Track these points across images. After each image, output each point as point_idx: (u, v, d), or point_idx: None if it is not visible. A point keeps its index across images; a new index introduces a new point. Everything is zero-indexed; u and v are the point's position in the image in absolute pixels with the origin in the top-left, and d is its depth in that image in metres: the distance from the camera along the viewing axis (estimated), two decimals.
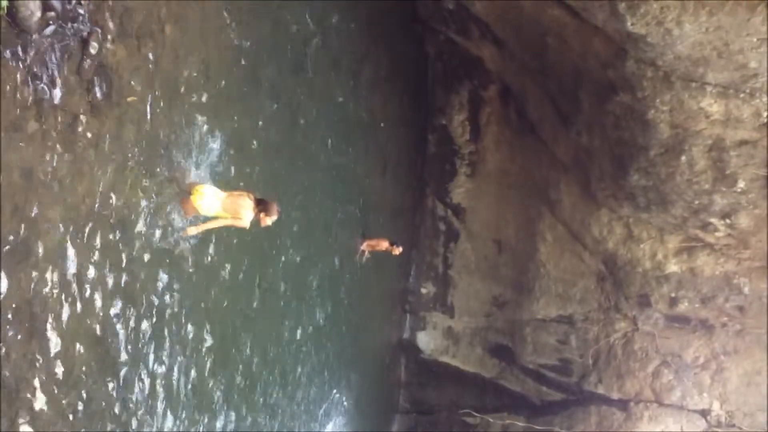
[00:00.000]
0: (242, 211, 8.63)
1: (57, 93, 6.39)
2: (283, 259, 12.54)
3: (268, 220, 8.85)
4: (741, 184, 12.73)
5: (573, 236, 17.00)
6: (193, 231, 8.68)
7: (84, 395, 7.17)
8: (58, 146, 6.46)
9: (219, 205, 8.58)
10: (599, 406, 16.79)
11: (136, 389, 8.26)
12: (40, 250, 6.37)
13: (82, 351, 7.08)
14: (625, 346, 16.54)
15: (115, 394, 7.76)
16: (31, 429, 6.33)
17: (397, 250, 16.08)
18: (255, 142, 10.89)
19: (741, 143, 12.23)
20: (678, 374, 15.92)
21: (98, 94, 7.00)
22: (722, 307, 15.19)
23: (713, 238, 14.26)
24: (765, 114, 11.60)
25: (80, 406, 7.11)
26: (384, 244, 15.94)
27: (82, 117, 6.77)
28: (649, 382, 16.20)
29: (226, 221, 8.69)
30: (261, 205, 8.76)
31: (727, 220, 13.50)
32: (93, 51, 6.84)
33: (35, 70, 6.14)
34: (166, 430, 9.05)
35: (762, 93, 11.34)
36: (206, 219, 8.77)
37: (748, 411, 15.55)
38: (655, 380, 16.14)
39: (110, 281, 7.53)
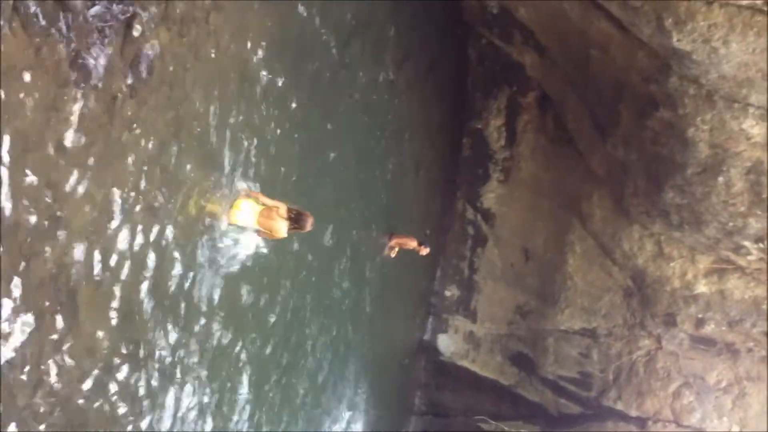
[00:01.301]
0: (275, 225, 9.08)
1: (98, 73, 6.46)
2: (310, 257, 12.61)
3: (302, 232, 9.36)
4: None
5: (602, 250, 16.86)
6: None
7: None
8: (95, 126, 6.53)
9: (254, 220, 9.09)
10: (617, 423, 16.67)
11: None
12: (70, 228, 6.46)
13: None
14: (648, 364, 16.39)
15: None
16: None
17: (425, 251, 16.10)
18: (288, 140, 10.93)
19: None
20: (699, 396, 15.75)
21: (139, 78, 7.07)
22: (749, 331, 15.00)
23: (745, 261, 14.07)
24: None
25: None
26: (412, 243, 15.97)
27: (120, 99, 6.84)
28: (669, 402, 16.05)
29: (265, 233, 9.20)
30: (295, 218, 9.19)
31: (761, 245, 13.32)
32: (136, 34, 6.89)
33: (78, 49, 6.20)
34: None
35: None
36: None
37: None
38: (676, 401, 15.98)
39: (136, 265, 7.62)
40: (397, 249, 16.05)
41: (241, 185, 9.49)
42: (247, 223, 9.08)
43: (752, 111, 11.57)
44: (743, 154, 12.21)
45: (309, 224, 9.35)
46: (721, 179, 12.74)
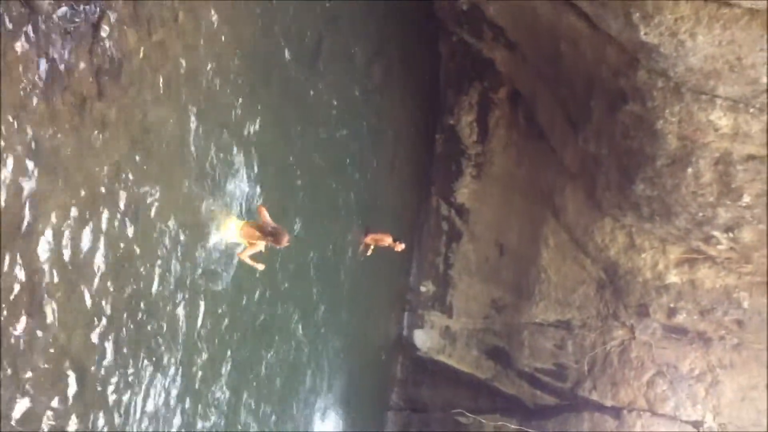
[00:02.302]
0: (252, 241, 9.86)
1: (66, 75, 6.43)
2: (284, 252, 12.59)
3: (278, 247, 9.84)
4: (746, 199, 12.76)
5: (575, 243, 17.03)
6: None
7: None
8: (64, 127, 6.49)
9: (237, 233, 9.89)
10: (592, 413, 16.84)
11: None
12: (41, 229, 6.41)
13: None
14: (622, 355, 16.59)
15: None
16: None
17: (400, 246, 16.16)
18: (258, 136, 10.92)
19: (748, 158, 12.26)
20: (673, 385, 15.97)
21: (107, 78, 7.03)
22: (721, 320, 15.24)
23: (715, 251, 14.29)
24: None
25: None
26: (387, 239, 16.01)
27: (90, 100, 6.80)
28: (643, 391, 16.26)
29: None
30: (271, 234, 9.67)
31: (730, 234, 13.53)
32: (104, 34, 6.88)
33: (45, 50, 6.17)
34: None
35: None
36: None
37: (741, 425, 15.58)
38: (650, 390, 16.19)
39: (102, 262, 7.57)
40: (372, 247, 16.08)
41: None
42: (232, 237, 9.87)
43: (719, 102, 11.76)
44: (711, 146, 12.41)
45: (285, 240, 9.72)
46: (690, 170, 12.94)
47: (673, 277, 15.31)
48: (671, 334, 16.03)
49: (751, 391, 15.49)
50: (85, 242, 7.06)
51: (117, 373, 7.91)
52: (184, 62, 8.52)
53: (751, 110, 11.55)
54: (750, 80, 11.05)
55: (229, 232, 9.89)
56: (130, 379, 8.22)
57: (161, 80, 8.06)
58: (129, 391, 8.25)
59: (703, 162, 12.70)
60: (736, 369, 15.59)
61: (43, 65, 6.14)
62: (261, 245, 9.96)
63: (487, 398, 19.32)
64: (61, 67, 6.36)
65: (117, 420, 8.05)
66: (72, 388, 7.09)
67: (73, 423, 7.14)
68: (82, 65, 6.64)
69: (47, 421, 6.73)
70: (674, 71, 11.68)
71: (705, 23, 10.49)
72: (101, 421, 7.70)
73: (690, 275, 15.14)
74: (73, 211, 6.82)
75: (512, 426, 18.19)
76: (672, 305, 15.58)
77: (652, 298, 15.76)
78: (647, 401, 16.20)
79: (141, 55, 7.56)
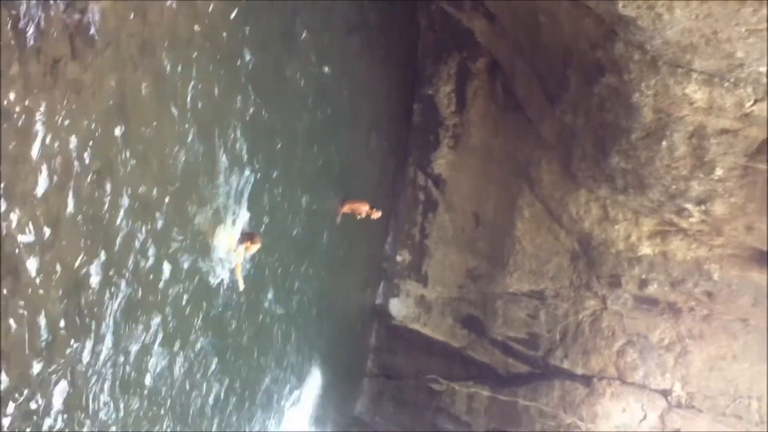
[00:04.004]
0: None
1: (40, 37, 6.34)
2: (264, 219, 12.61)
3: (253, 248, 11.71)
4: (719, 172, 12.95)
5: (550, 214, 17.15)
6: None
7: None
8: (38, 90, 6.42)
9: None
10: (563, 381, 17.12)
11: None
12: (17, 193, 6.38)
13: None
14: (593, 324, 16.84)
15: None
16: None
17: (376, 214, 16.22)
18: (235, 103, 10.86)
19: (722, 132, 12.42)
20: (642, 354, 16.26)
21: (82, 40, 6.94)
22: (691, 291, 15.48)
23: (687, 223, 14.49)
24: (747, 104, 11.78)
25: None
26: (364, 208, 16.06)
27: (64, 62, 6.72)
28: (613, 360, 16.54)
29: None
30: (247, 237, 11.57)
31: (703, 207, 13.71)
32: None
33: (18, 11, 6.06)
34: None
35: (746, 83, 11.49)
36: None
37: (709, 394, 15.93)
38: (620, 359, 16.47)
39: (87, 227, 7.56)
40: (349, 212, 16.12)
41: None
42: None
43: (695, 76, 11.86)
44: (686, 119, 12.53)
45: (258, 240, 11.79)
46: (664, 143, 13.07)
47: (645, 249, 15.51)
48: (642, 305, 16.28)
49: (720, 361, 15.82)
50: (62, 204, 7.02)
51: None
52: (160, 27, 8.42)
53: (726, 84, 11.67)
54: (725, 54, 11.15)
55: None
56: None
57: (137, 44, 7.96)
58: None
59: (678, 135, 12.83)
60: (705, 339, 15.88)
61: (16, 26, 6.05)
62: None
63: (460, 366, 19.53)
64: (34, 28, 6.25)
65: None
66: None
67: None
68: (56, 27, 6.55)
69: None
70: (651, 44, 11.74)
71: None
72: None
73: (662, 247, 15.35)
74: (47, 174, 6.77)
75: (485, 393, 18.45)
76: (644, 276, 15.81)
77: (625, 269, 15.97)
78: (617, 370, 16.49)
79: (117, 18, 7.46)
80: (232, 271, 11.59)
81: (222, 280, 11.47)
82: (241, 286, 11.86)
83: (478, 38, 18.11)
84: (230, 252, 11.44)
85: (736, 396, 15.69)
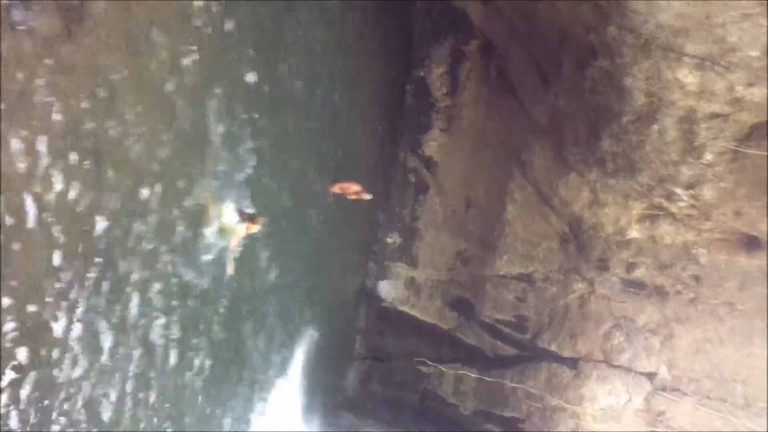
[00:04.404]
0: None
1: (33, 15, 6.31)
2: (253, 199, 12.59)
3: (254, 228, 11.68)
4: (708, 157, 13.00)
5: (541, 198, 17.20)
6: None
7: None
8: (30, 69, 6.39)
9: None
10: (550, 363, 17.23)
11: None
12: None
13: None
14: (581, 307, 16.92)
15: None
16: None
17: (367, 196, 16.22)
18: (228, 83, 10.83)
19: (712, 116, 12.46)
20: (629, 337, 16.37)
21: (74, 20, 6.90)
22: (679, 275, 15.57)
23: (676, 207, 14.54)
24: (738, 89, 11.82)
25: None
26: (355, 188, 16.06)
27: (56, 41, 6.69)
28: (600, 343, 16.65)
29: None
30: (248, 218, 11.56)
31: (692, 191, 13.77)
32: None
33: None
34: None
35: (737, 68, 11.53)
36: None
37: (695, 377, 16.05)
38: (607, 342, 16.58)
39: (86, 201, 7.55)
40: (339, 191, 16.14)
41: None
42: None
43: (687, 60, 11.88)
44: (677, 103, 12.57)
45: (259, 221, 11.87)
46: (655, 127, 13.11)
47: (634, 233, 15.58)
48: (630, 288, 16.36)
49: (705, 344, 15.93)
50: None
51: None
52: (153, 7, 8.37)
53: (717, 68, 11.70)
54: (718, 38, 11.18)
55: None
56: None
57: (133, 21, 7.92)
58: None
59: (669, 119, 12.87)
60: (691, 323, 15.99)
61: (9, 4, 6.01)
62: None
63: (448, 348, 19.61)
64: (27, 7, 6.23)
65: None
66: None
67: None
68: (49, 5, 6.52)
69: None
70: (645, 28, 11.75)
71: None
72: None
73: (651, 231, 15.42)
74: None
75: (472, 375, 18.55)
76: (632, 260, 15.89)
77: (613, 253, 16.04)
78: (604, 353, 16.60)
79: None
80: (225, 251, 11.54)
81: (212, 259, 11.46)
82: (230, 270, 11.77)
83: (473, 20, 18.05)
84: (226, 231, 11.36)
85: (722, 379, 15.82)
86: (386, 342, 20.62)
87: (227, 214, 11.35)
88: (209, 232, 11.17)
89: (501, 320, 18.30)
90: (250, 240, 12.70)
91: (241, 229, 11.55)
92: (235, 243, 11.56)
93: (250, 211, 11.97)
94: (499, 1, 16.67)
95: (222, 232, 11.37)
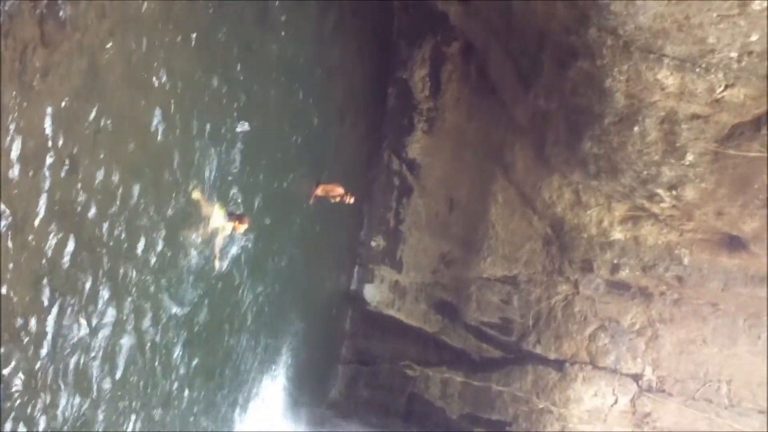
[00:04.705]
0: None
1: (8, 21, 6.22)
2: (236, 201, 12.50)
3: (241, 228, 11.90)
4: (690, 158, 12.99)
5: (524, 199, 17.17)
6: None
7: None
8: (6, 75, 6.30)
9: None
10: (536, 366, 17.22)
11: None
12: None
13: None
14: (565, 309, 16.90)
15: None
16: None
17: (351, 199, 16.12)
18: (208, 84, 10.72)
19: (693, 117, 12.45)
20: (614, 339, 16.38)
21: (50, 25, 6.82)
22: (662, 276, 15.58)
23: (658, 208, 14.55)
24: (718, 90, 11.80)
25: None
26: (338, 190, 15.98)
27: (32, 46, 6.60)
28: (585, 344, 16.64)
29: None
30: (237, 218, 11.81)
31: (674, 192, 13.77)
32: None
33: None
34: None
35: (717, 69, 11.51)
36: None
37: (680, 378, 16.09)
38: (592, 343, 16.57)
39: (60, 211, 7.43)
40: (322, 194, 16.06)
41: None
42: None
43: (667, 62, 11.85)
44: (658, 104, 12.55)
45: (246, 221, 11.95)
46: (636, 129, 13.09)
47: (617, 234, 15.58)
48: (614, 290, 16.36)
49: (689, 344, 15.97)
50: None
51: None
52: (131, 9, 8.26)
53: (697, 70, 11.68)
54: (697, 40, 11.15)
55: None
56: None
57: (107, 25, 7.81)
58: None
59: (650, 121, 12.85)
60: (675, 323, 16.02)
61: None
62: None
63: (434, 351, 19.56)
64: (4, 13, 6.13)
65: None
66: None
67: None
68: (24, 11, 6.42)
69: None
70: (624, 29, 11.71)
71: None
72: None
73: (634, 232, 15.42)
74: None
75: (458, 378, 18.51)
76: (615, 261, 15.88)
77: (597, 254, 16.03)
78: (589, 354, 16.60)
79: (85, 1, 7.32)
80: (211, 248, 11.53)
81: (196, 260, 11.37)
82: (217, 265, 11.88)
83: (453, 21, 18.01)
84: (215, 231, 11.46)
85: (706, 380, 15.87)
86: (372, 345, 20.54)
87: (216, 213, 11.43)
88: (196, 234, 11.21)
89: (486, 323, 18.26)
90: (232, 244, 12.65)
91: (228, 227, 11.66)
92: (221, 239, 11.69)
93: (238, 211, 12.10)
94: (478, 2, 16.60)
95: (213, 230, 11.49)
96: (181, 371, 11.63)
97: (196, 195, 10.65)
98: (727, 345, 15.67)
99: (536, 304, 17.36)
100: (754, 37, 10.74)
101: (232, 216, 11.82)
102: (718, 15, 10.62)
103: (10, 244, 6.79)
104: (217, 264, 11.87)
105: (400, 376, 19.71)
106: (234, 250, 12.79)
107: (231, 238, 12.15)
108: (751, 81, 11.55)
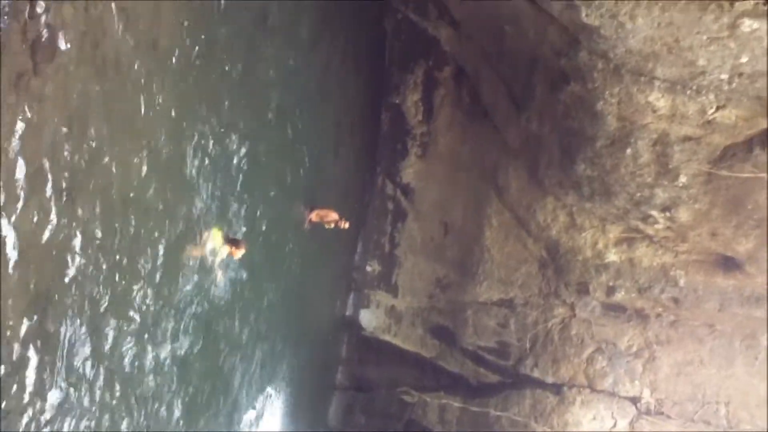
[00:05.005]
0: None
1: (1, 51, 6.22)
2: (229, 226, 12.45)
3: (237, 253, 11.80)
4: (683, 179, 13.03)
5: (518, 222, 17.18)
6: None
7: None
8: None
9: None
10: (534, 390, 17.13)
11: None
12: None
13: None
14: (562, 332, 16.87)
15: None
16: None
17: (345, 224, 16.09)
18: (202, 113, 10.71)
19: (685, 139, 12.50)
20: (611, 361, 16.33)
21: (43, 55, 6.82)
22: (658, 297, 15.58)
23: (653, 230, 14.57)
24: (710, 111, 11.86)
25: None
26: (333, 215, 15.94)
27: (25, 77, 6.60)
28: (583, 368, 16.58)
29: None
30: (233, 243, 11.71)
31: (667, 214, 13.80)
32: (39, 10, 6.65)
33: None
34: None
35: (708, 91, 11.57)
36: None
37: (678, 400, 16.03)
38: (589, 366, 16.52)
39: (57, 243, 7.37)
40: (317, 219, 16.04)
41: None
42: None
43: (658, 84, 11.91)
44: (650, 126, 12.60)
45: (242, 246, 11.90)
46: (629, 151, 13.12)
47: (612, 256, 15.59)
48: (610, 312, 16.35)
49: (687, 366, 15.93)
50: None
51: None
52: (124, 36, 8.26)
53: (688, 92, 11.74)
54: (687, 62, 11.20)
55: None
56: None
57: (100, 56, 7.81)
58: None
59: (642, 143, 12.89)
60: (672, 345, 16.00)
61: None
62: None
63: (431, 376, 19.47)
64: None
65: None
66: None
67: None
68: (16, 41, 6.42)
69: None
70: (614, 53, 11.77)
71: (644, 5, 10.56)
72: None
73: (628, 254, 15.44)
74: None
75: (456, 403, 18.39)
76: (611, 283, 15.88)
77: (592, 277, 16.03)
78: (587, 377, 16.53)
79: (79, 29, 7.31)
80: (208, 270, 11.52)
81: (190, 286, 11.29)
82: (219, 279, 11.92)
83: (444, 46, 18.13)
84: (211, 252, 11.48)
85: (705, 401, 15.81)
86: (368, 371, 20.43)
87: (213, 237, 11.42)
88: (194, 257, 11.21)
89: (483, 347, 18.19)
90: (226, 270, 12.59)
91: (224, 252, 11.64)
92: (216, 263, 11.69)
93: (237, 237, 12.03)
94: (469, 27, 16.72)
95: (209, 252, 11.52)
96: (176, 401, 11.51)
97: (169, 228, 10.53)
98: (724, 366, 15.65)
99: (533, 327, 17.32)
100: (744, 59, 10.79)
101: (228, 240, 11.74)
102: (708, 37, 10.67)
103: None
104: (219, 278, 11.87)
105: (397, 402, 19.58)
106: (229, 275, 12.71)
107: (226, 264, 12.09)
108: (742, 102, 11.61)
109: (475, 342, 18.31)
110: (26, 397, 7.39)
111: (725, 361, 15.63)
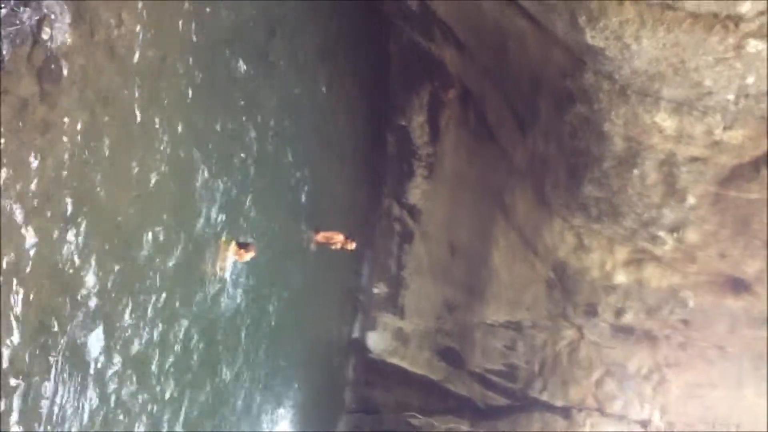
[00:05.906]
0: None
1: (6, 77, 6.25)
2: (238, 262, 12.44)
3: (246, 256, 11.97)
4: (690, 200, 12.96)
5: (525, 243, 17.11)
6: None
7: None
8: (7, 131, 6.30)
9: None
10: (543, 413, 16.98)
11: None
12: None
13: None
14: (571, 354, 16.73)
15: None
16: None
17: (351, 245, 16.08)
18: (207, 135, 10.74)
19: (692, 159, 12.44)
20: (621, 384, 16.17)
21: (49, 80, 6.85)
22: (667, 319, 15.45)
23: (661, 251, 14.48)
24: (716, 132, 11.81)
25: None
26: (339, 237, 15.94)
27: (31, 103, 6.62)
28: (592, 390, 16.43)
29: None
30: (242, 246, 11.87)
31: (675, 234, 13.72)
32: (45, 36, 6.70)
33: None
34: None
35: (714, 111, 11.53)
36: None
37: (688, 422, 15.85)
38: (599, 389, 16.36)
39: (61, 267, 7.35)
40: (323, 241, 16.04)
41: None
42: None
43: (664, 104, 11.88)
44: (656, 147, 12.55)
45: (252, 249, 12.00)
46: (636, 172, 13.08)
47: (620, 277, 15.48)
48: (619, 334, 16.22)
49: (697, 388, 15.78)
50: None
51: None
52: (128, 62, 8.30)
53: (695, 113, 11.70)
54: (693, 83, 11.18)
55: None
56: None
57: (105, 81, 7.84)
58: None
59: (649, 163, 12.85)
60: (682, 367, 15.84)
61: None
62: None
63: (438, 399, 19.33)
64: (1, 69, 6.16)
65: None
66: None
67: None
68: (22, 67, 6.46)
69: None
70: (620, 74, 11.75)
71: (649, 26, 10.55)
72: None
73: (637, 275, 15.33)
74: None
75: (463, 427, 18.25)
76: (619, 305, 15.76)
77: (600, 298, 15.91)
78: (596, 401, 16.38)
79: (84, 55, 7.35)
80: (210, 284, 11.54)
81: (194, 309, 11.25)
82: (222, 271, 11.92)
83: (449, 68, 18.16)
84: (222, 257, 11.59)
85: (716, 423, 15.63)
86: (376, 394, 20.31)
87: (222, 246, 11.53)
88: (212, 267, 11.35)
89: (490, 369, 18.06)
90: (232, 291, 12.54)
91: (232, 254, 11.79)
92: (222, 265, 11.73)
93: (249, 240, 12.24)
94: (473, 48, 16.75)
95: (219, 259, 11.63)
96: (181, 421, 11.43)
97: (175, 248, 10.52)
98: (734, 388, 15.48)
99: (541, 349, 17.20)
100: (750, 80, 10.76)
101: (239, 245, 11.89)
102: (714, 58, 10.64)
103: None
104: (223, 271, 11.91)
105: (405, 425, 19.46)
106: (234, 298, 12.68)
107: (234, 267, 12.13)
108: (748, 122, 11.56)
109: (483, 364, 18.19)
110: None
111: (735, 382, 15.46)
